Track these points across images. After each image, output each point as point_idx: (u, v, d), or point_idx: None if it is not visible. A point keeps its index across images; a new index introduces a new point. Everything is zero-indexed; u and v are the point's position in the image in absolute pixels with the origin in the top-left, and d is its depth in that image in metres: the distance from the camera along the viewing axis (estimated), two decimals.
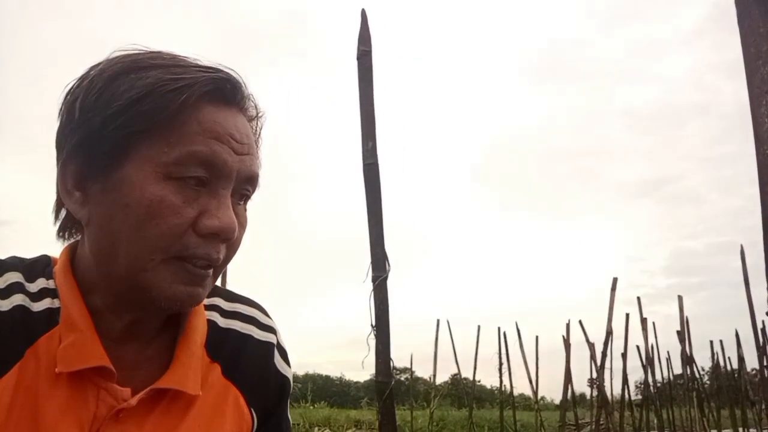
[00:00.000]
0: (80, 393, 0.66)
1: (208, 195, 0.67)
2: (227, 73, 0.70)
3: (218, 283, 0.82)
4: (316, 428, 8.43)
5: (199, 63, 0.70)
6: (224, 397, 0.77)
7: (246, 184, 0.71)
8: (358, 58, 2.98)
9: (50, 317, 0.68)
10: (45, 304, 0.69)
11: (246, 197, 0.74)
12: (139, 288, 0.66)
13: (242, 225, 0.72)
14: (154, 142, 0.66)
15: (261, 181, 0.75)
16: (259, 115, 0.76)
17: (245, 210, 0.74)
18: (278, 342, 0.86)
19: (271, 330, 0.85)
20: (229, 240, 0.68)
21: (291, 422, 0.91)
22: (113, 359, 0.67)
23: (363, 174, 2.90)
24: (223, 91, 0.69)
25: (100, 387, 0.67)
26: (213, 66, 0.70)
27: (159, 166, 0.65)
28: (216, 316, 0.81)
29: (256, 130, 0.76)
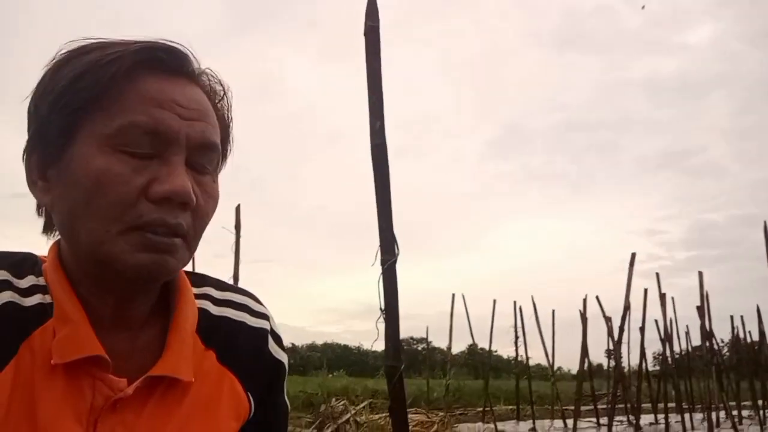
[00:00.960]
0: (76, 384, 0.66)
1: (159, 163, 0.67)
2: (165, 43, 0.70)
3: (225, 278, 0.82)
4: (334, 398, 8.55)
5: (145, 40, 0.70)
6: (220, 383, 0.77)
7: (202, 152, 0.70)
8: (365, 34, 2.86)
9: (42, 312, 0.68)
10: (36, 299, 0.69)
11: (208, 168, 0.72)
12: (103, 262, 0.66)
13: (210, 195, 0.72)
14: (97, 117, 0.66)
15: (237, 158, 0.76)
16: (221, 90, 0.76)
17: (214, 182, 0.74)
18: (272, 328, 0.86)
19: (264, 317, 0.86)
20: (186, 204, 0.67)
21: (289, 406, 0.91)
22: (107, 349, 0.67)
23: (371, 155, 2.82)
24: (162, 61, 0.69)
25: (95, 377, 0.67)
26: (153, 39, 0.70)
27: (103, 140, 0.66)
28: (208, 305, 0.81)
29: (220, 106, 0.76)
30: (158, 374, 0.70)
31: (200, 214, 0.71)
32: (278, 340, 0.87)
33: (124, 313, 0.72)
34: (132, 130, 0.66)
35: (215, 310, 0.81)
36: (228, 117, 0.78)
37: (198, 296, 0.81)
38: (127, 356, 0.71)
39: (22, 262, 0.73)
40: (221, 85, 0.77)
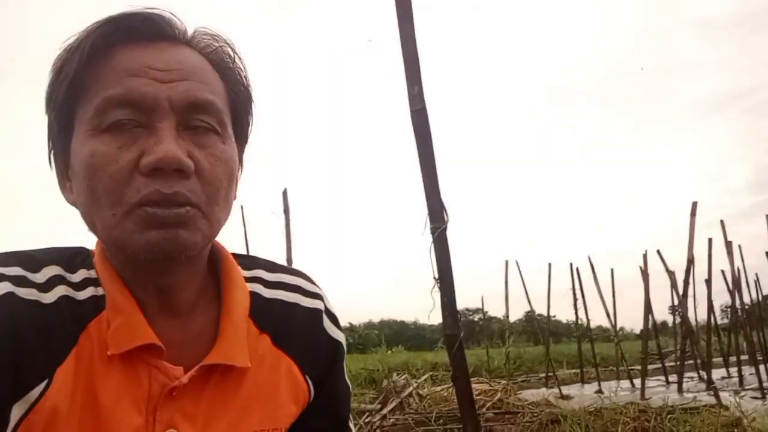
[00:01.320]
0: (133, 373, 0.67)
1: (147, 134, 0.65)
2: (140, 11, 0.67)
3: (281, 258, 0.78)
4: (395, 373, 8.63)
5: (118, 13, 0.68)
6: (277, 367, 0.76)
7: (194, 111, 0.67)
8: None
9: (96, 304, 0.69)
10: (89, 292, 0.70)
11: (211, 127, 0.68)
12: (119, 247, 0.65)
13: (218, 158, 0.68)
14: (82, 104, 0.66)
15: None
16: (225, 48, 0.73)
17: (224, 143, 0.70)
18: (326, 307, 0.85)
19: (317, 296, 0.84)
20: (182, 171, 0.64)
21: (350, 387, 0.89)
22: (160, 338, 0.68)
23: (411, 121, 2.75)
24: (133, 29, 0.67)
25: (151, 366, 0.68)
26: (130, 10, 0.67)
27: (87, 124, 0.65)
28: (259, 288, 0.80)
29: (225, 60, 0.73)
30: (212, 362, 0.70)
31: (209, 178, 0.67)
32: (334, 319, 0.85)
33: (169, 299, 0.71)
34: (108, 107, 0.64)
35: (267, 293, 0.80)
36: (240, 73, 0.74)
37: (249, 279, 0.80)
38: (181, 344, 0.71)
39: (73, 257, 0.73)
40: (225, 42, 0.73)
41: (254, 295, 0.78)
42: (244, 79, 0.75)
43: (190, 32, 0.71)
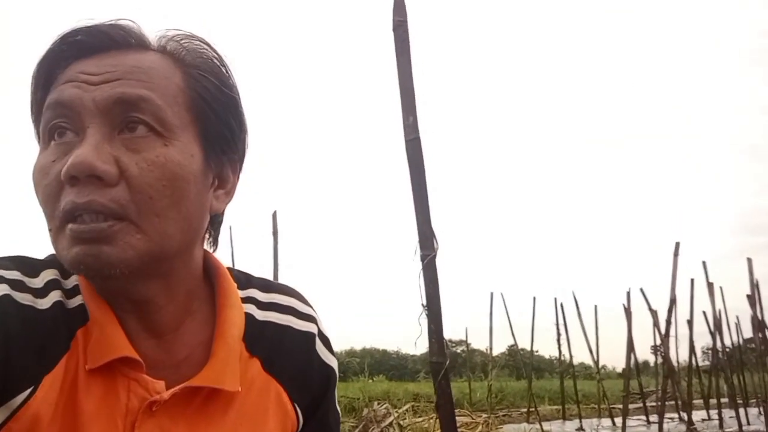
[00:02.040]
0: (112, 387, 0.65)
1: (79, 143, 0.62)
2: (83, 27, 0.66)
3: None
4: (376, 402, 8.54)
5: (70, 29, 0.67)
6: (266, 392, 0.74)
7: (125, 110, 0.62)
8: (393, 29, 2.85)
9: (83, 313, 0.68)
10: (78, 300, 0.69)
11: (143, 125, 0.63)
12: (63, 263, 0.64)
13: (152, 162, 0.62)
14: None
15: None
16: (185, 44, 0.69)
17: (165, 145, 0.63)
18: (319, 330, 0.82)
19: (311, 319, 0.82)
20: (98, 178, 0.59)
21: (340, 414, 0.86)
22: (142, 356, 0.66)
23: (405, 150, 2.80)
24: (83, 43, 0.66)
25: (130, 378, 0.66)
26: (82, 24, 0.67)
27: (40, 141, 0.66)
28: (253, 309, 0.78)
29: (191, 58, 0.68)
30: (199, 385, 0.68)
31: (138, 186, 0.61)
32: (327, 342, 0.83)
33: (147, 317, 0.69)
34: (46, 116, 0.64)
35: (260, 315, 0.78)
36: (213, 73, 0.70)
37: (244, 299, 0.78)
38: (166, 366, 0.69)
39: None
40: (202, 42, 0.70)
41: (248, 317, 0.76)
42: (217, 79, 0.69)
43: (156, 36, 0.69)
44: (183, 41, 0.70)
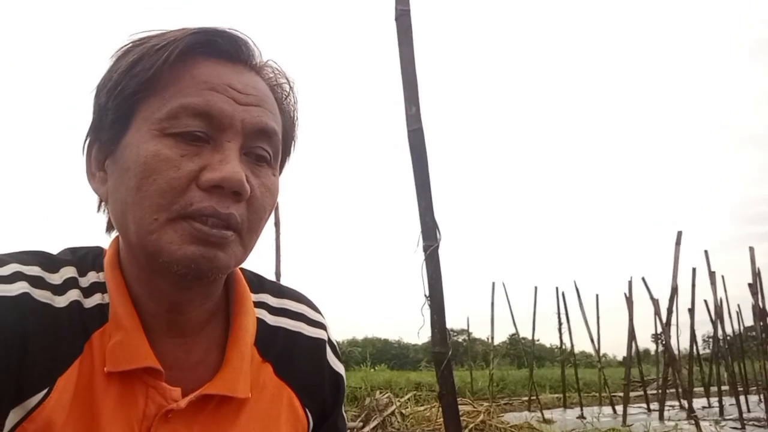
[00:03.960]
0: (130, 392, 0.66)
1: (212, 150, 0.64)
2: (224, 30, 0.68)
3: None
4: (378, 391, 8.58)
5: (204, 27, 0.68)
6: (278, 397, 0.75)
7: (259, 139, 0.67)
8: (396, 19, 2.83)
9: (101, 313, 0.68)
10: (96, 299, 0.68)
11: (267, 158, 0.69)
12: (151, 254, 0.63)
13: (268, 188, 0.68)
14: (151, 102, 0.65)
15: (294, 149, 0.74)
16: (285, 84, 0.74)
17: (274, 175, 0.70)
18: (329, 338, 0.84)
19: (321, 326, 0.83)
20: (239, 194, 0.64)
21: (347, 421, 0.88)
22: (162, 357, 0.67)
23: (408, 141, 2.79)
24: (218, 45, 0.67)
25: (149, 386, 0.66)
26: (214, 26, 0.68)
27: (154, 124, 0.64)
28: (264, 314, 0.79)
29: (285, 101, 0.74)
30: (213, 392, 0.68)
31: (256, 207, 0.67)
32: (335, 350, 0.85)
33: (178, 317, 0.70)
34: (183, 114, 0.63)
35: (272, 320, 0.79)
36: (293, 112, 0.75)
37: (256, 304, 0.79)
38: (183, 366, 0.70)
39: (85, 257, 0.72)
40: (286, 78, 0.74)
41: (259, 322, 0.77)
42: (294, 117, 0.76)
43: (259, 60, 0.72)
44: (277, 73, 0.74)
